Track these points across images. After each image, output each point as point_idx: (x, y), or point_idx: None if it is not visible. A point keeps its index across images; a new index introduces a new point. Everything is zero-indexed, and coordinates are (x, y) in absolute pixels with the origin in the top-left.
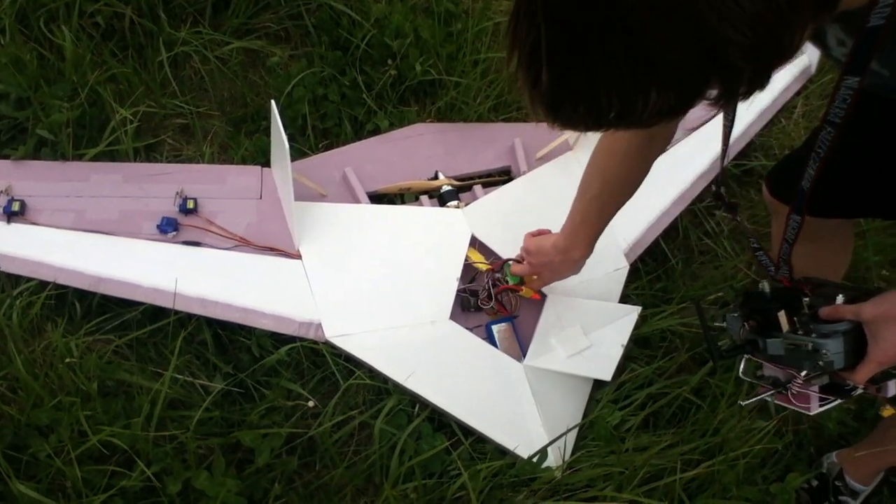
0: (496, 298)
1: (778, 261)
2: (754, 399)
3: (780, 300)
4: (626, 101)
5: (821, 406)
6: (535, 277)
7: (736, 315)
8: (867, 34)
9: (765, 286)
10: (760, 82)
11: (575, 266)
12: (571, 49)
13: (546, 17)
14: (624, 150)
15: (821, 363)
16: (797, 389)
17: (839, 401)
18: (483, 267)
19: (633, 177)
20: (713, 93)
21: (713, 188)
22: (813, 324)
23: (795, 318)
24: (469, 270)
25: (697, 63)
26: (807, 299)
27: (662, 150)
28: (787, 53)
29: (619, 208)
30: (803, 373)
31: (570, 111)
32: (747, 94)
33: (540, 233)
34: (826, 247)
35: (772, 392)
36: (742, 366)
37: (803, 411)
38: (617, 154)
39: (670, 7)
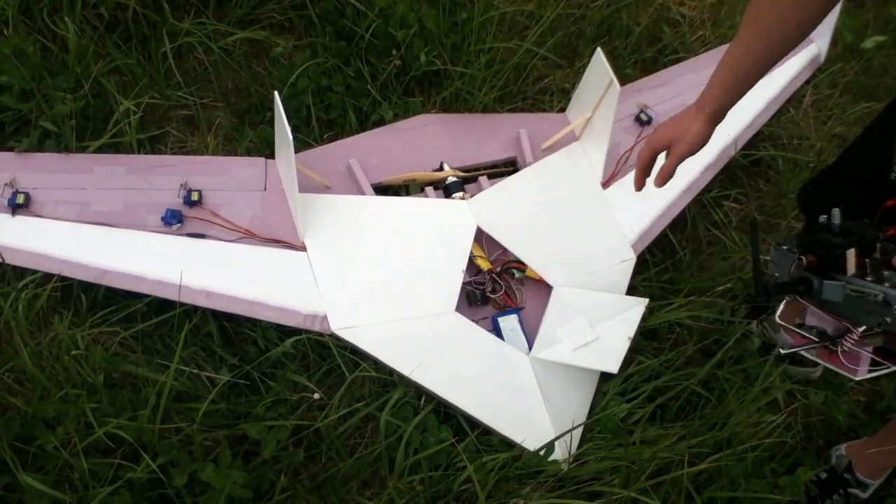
0: (504, 286)
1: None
2: (794, 350)
3: (850, 235)
4: None
5: (870, 371)
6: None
7: (786, 248)
8: None
9: (835, 216)
10: None
11: (703, 121)
12: None
13: None
14: None
15: (888, 319)
16: (848, 346)
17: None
18: (484, 264)
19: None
20: None
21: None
22: (887, 270)
23: (867, 261)
24: (475, 263)
25: None
26: (881, 244)
27: None
28: None
29: (771, 54)
30: (861, 328)
31: None
32: None
33: None
34: None
35: (816, 344)
36: (781, 308)
37: (848, 374)
38: None
39: None
